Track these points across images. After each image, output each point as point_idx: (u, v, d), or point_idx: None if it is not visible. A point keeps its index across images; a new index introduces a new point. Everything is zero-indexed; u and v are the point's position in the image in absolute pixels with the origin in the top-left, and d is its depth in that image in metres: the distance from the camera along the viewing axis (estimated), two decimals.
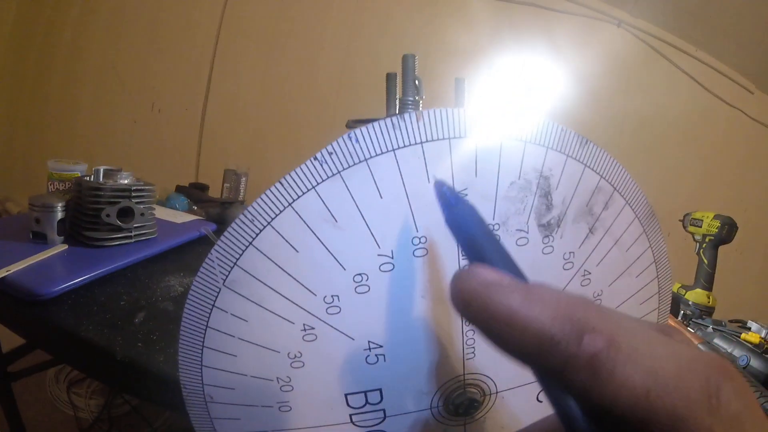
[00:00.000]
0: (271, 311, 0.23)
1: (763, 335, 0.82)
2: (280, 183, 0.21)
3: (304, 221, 0.22)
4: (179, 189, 1.36)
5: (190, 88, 1.85)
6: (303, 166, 0.21)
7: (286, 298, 0.23)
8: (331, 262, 0.23)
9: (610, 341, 0.12)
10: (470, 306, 0.14)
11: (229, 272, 0.23)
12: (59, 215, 0.71)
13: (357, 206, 0.22)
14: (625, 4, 1.82)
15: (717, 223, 1.02)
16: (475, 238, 0.17)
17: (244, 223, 0.22)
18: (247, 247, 0.22)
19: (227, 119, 1.87)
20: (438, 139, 0.22)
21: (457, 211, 0.18)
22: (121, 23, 1.78)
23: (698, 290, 1.00)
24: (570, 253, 0.26)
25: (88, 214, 0.72)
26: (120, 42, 1.78)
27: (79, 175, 0.93)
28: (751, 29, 1.75)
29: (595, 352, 0.11)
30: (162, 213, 0.98)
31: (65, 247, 0.70)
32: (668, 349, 0.12)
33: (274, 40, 1.84)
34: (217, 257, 0.22)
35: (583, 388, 0.12)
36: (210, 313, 0.23)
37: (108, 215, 0.72)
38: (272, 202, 0.21)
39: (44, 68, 1.76)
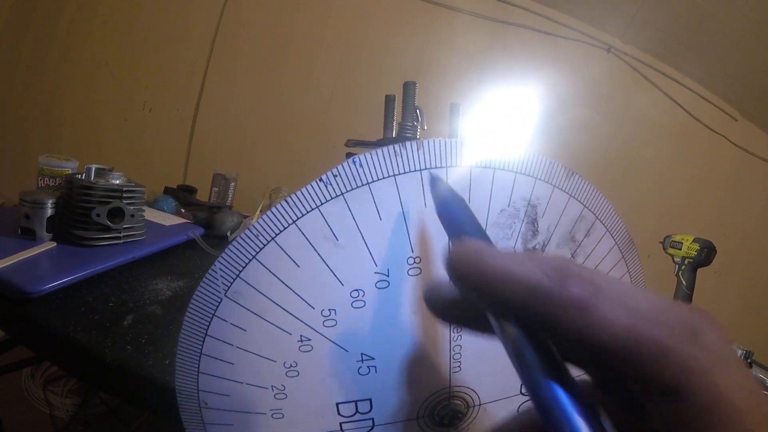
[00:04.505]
0: (270, 322, 0.24)
1: (738, 356, 0.85)
2: (286, 201, 0.22)
3: (307, 238, 0.23)
4: (167, 191, 1.35)
5: (183, 90, 1.84)
6: (308, 187, 0.22)
7: (286, 310, 0.24)
8: (330, 278, 0.24)
9: (591, 283, 0.13)
10: (466, 270, 0.15)
11: (232, 283, 0.24)
12: (49, 212, 0.70)
13: (357, 226, 0.23)
14: (617, 30, 1.87)
15: (696, 246, 1.05)
16: (460, 219, 0.19)
17: (249, 237, 0.23)
18: (250, 260, 0.23)
19: (219, 123, 1.86)
20: (436, 168, 0.23)
21: (445, 200, 0.20)
22: (117, 20, 1.77)
23: None
24: None
25: (78, 212, 0.72)
26: (115, 38, 1.77)
27: (70, 172, 0.93)
28: (737, 59, 1.81)
29: (579, 292, 0.13)
30: (150, 214, 0.98)
31: (54, 244, 0.70)
32: (648, 294, 0.13)
33: (270, 49, 1.85)
34: (220, 268, 0.23)
35: (572, 327, 0.13)
36: (210, 322, 0.24)
37: (98, 215, 0.73)
38: (277, 219, 0.23)
39: (37, 61, 1.74)
